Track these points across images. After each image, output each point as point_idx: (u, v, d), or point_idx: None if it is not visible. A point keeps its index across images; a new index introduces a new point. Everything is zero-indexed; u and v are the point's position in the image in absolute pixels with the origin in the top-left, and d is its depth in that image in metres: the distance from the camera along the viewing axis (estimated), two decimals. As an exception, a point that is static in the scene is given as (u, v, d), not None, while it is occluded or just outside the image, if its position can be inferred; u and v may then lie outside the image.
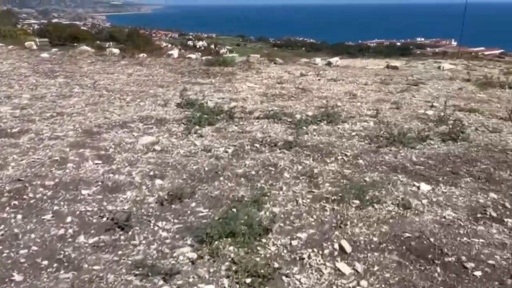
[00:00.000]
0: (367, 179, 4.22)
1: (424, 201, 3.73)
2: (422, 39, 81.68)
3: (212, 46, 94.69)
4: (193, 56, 14.38)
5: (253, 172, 4.35)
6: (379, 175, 4.32)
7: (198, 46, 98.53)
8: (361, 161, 4.72)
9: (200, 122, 6.12)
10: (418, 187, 4.02)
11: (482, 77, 9.79)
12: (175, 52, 14.20)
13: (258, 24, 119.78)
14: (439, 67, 11.40)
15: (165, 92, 8.50)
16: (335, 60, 12.20)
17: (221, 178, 4.19)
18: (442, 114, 6.56)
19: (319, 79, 10.06)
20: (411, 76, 10.19)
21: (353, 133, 5.80)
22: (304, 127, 6.04)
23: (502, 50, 70.49)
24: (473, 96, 8.26)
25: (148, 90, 8.70)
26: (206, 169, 4.42)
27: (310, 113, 6.82)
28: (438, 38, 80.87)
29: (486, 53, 69.76)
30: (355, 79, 9.95)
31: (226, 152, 4.95)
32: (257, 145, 5.21)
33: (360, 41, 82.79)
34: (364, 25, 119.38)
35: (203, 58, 14.26)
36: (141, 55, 14.05)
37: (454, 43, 77.78)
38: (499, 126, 6.19)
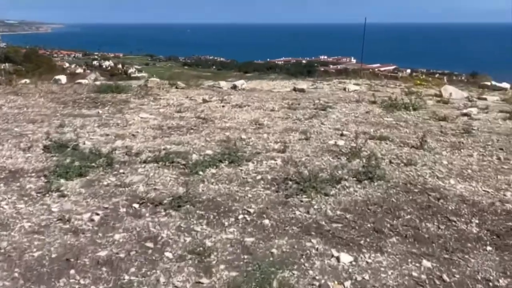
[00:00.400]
0: (274, 250, 3.23)
1: (347, 284, 2.82)
2: (325, 57, 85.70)
3: (120, 66, 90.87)
4: (84, 81, 12.68)
5: (121, 255, 3.14)
6: (289, 242, 3.36)
7: (104, 66, 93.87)
8: (267, 220, 3.74)
9: (68, 173, 4.73)
10: (338, 258, 3.12)
11: (387, 99, 9.55)
12: (63, 78, 12.37)
13: (167, 44, 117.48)
14: (344, 89, 11.07)
15: (35, 130, 6.90)
16: (240, 83, 11.37)
17: (72, 272, 2.91)
18: (353, 144, 5.92)
19: (223, 106, 9.09)
20: (318, 99, 9.65)
21: (258, 177, 4.84)
22: (200, 172, 4.95)
23: (395, 66, 76.51)
24: (381, 121, 7.83)
25: (13, 127, 7.03)
26: (54, 255, 3.11)
27: (209, 152, 5.76)
28: (340, 56, 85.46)
29: (382, 69, 75.15)
30: (261, 105, 9.15)
31: (92, 220, 3.68)
32: (136, 206, 4.01)
33: (268, 59, 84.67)
34: (272, 44, 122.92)
35: (96, 83, 12.66)
36: (23, 81, 12.05)
37: (353, 60, 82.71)
38: (412, 157, 5.65)
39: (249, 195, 4.28)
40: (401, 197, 4.24)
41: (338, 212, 3.84)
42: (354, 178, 4.76)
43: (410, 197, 4.23)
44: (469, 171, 5.14)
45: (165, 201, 4.08)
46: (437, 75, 69.67)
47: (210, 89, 11.34)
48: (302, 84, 12.90)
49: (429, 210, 3.92)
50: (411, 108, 8.78)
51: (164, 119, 7.85)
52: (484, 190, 4.49)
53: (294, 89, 10.88)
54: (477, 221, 3.73)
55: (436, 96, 10.33)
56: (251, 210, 3.91)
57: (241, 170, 5.08)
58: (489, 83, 13.45)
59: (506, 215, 3.84)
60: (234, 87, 11.25)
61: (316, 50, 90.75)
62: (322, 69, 78.11)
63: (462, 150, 6.03)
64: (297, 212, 3.86)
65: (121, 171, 4.96)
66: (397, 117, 8.13)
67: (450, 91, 10.02)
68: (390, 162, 5.46)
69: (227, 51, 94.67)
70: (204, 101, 9.50)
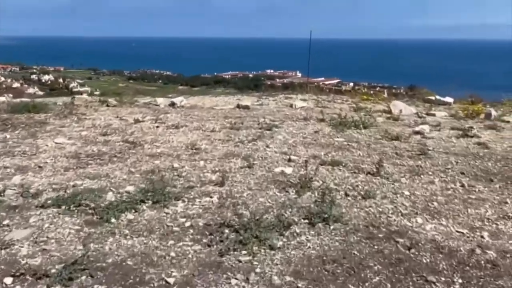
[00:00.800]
0: None
1: None
2: (272, 71, 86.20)
3: (61, 80, 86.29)
4: (0, 98, 11.06)
5: None
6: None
7: (44, 80, 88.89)
8: (191, 298, 2.72)
9: None
10: None
11: (336, 116, 8.88)
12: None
13: (111, 57, 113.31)
14: (291, 105, 10.31)
15: None
16: (179, 100, 10.28)
17: None
18: (303, 172, 5.05)
19: (157, 126, 7.97)
20: (263, 117, 8.78)
21: (188, 223, 3.81)
22: (112, 219, 3.83)
23: (339, 80, 78.39)
24: (331, 142, 7.06)
25: None
26: None
27: (130, 188, 4.65)
28: (285, 70, 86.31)
29: (326, 82, 76.69)
30: (201, 124, 8.13)
31: None
32: (9, 281, 2.83)
33: (215, 73, 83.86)
34: (219, 58, 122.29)
35: (15, 100, 11.07)
36: None
37: (299, 74, 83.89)
38: (370, 187, 4.86)
39: (172, 254, 3.22)
40: (365, 247, 3.37)
41: (287, 279, 2.87)
42: (306, 221, 3.85)
43: (375, 247, 3.37)
44: (435, 203, 4.40)
45: (53, 270, 2.93)
46: (378, 88, 72.20)
47: (146, 107, 10.15)
48: (247, 100, 12.04)
49: (400, 267, 3.07)
50: (361, 126, 8.13)
51: (84, 145, 6.60)
52: (458, 231, 3.73)
53: (238, 106, 9.96)
54: (460, 281, 2.92)
55: (385, 113, 9.82)
56: (171, 280, 2.86)
57: (167, 213, 4.01)
58: (433, 98, 13.29)
59: (493, 269, 3.06)
60: (173, 105, 10.15)
61: (263, 64, 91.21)
62: (269, 82, 78.32)
63: (422, 176, 5.33)
64: (234, 281, 2.85)
65: (5, 222, 3.73)
66: (348, 137, 7.41)
67: (399, 107, 9.54)
68: (346, 194, 4.62)
69: (174, 65, 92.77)
70: (136, 121, 8.33)
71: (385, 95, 19.03)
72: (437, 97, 13.27)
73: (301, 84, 20.10)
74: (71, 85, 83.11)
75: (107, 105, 10.17)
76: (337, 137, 7.37)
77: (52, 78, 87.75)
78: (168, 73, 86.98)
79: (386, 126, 8.39)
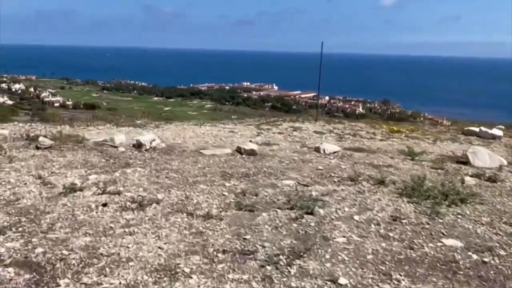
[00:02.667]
0: None
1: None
2: (248, 83, 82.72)
3: (32, 89, 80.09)
4: None
5: None
6: None
7: (14, 89, 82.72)
8: None
9: None
10: None
11: (393, 170, 5.32)
12: None
13: (85, 67, 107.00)
14: (318, 150, 6.63)
15: None
16: (149, 139, 6.38)
17: None
18: None
19: (104, 205, 4.15)
20: (286, 177, 5.10)
21: None
22: None
23: (315, 93, 75.72)
24: (442, 251, 3.47)
25: None
26: None
27: None
28: (262, 83, 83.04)
29: (303, 96, 73.95)
30: (184, 197, 4.36)
31: None
32: None
33: (192, 85, 79.77)
34: (196, 70, 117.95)
35: None
36: None
37: (275, 87, 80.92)
38: None
39: None
40: None
41: None
42: None
43: None
44: None
45: None
46: (352, 102, 69.94)
47: (97, 149, 6.27)
48: (243, 130, 8.37)
49: None
50: (457, 200, 4.58)
51: None
52: None
53: (240, 151, 6.23)
54: None
55: (459, 163, 6.29)
56: None
57: None
58: (476, 129, 9.89)
59: None
60: (139, 146, 6.30)
61: (239, 77, 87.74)
62: (245, 95, 74.98)
63: None
64: None
65: None
66: (459, 232, 3.82)
67: (482, 156, 6.03)
68: None
69: (149, 76, 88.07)
70: (69, 189, 4.48)
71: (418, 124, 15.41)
72: (482, 128, 9.92)
73: (306, 109, 16.32)
74: (42, 95, 77.14)
75: (37, 147, 6.24)
76: (442, 233, 3.77)
77: (23, 87, 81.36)
78: (143, 83, 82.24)
79: (493, 197, 4.85)
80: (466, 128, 9.83)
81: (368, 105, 67.80)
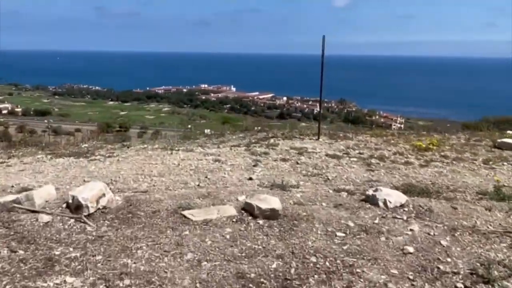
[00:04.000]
0: None
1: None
2: (206, 85, 79.41)
3: (-27, 96, 72.53)
4: None
5: None
6: None
7: (-46, 97, 74.83)
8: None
9: None
10: None
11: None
12: None
13: (34, 72, 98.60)
14: (373, 201, 4.12)
15: None
16: (95, 194, 3.60)
17: None
18: None
19: None
20: (353, 274, 2.59)
21: None
22: None
23: (273, 94, 73.99)
24: None
25: None
26: None
27: None
28: (220, 85, 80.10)
29: (261, 97, 71.93)
30: None
31: None
32: None
33: (148, 88, 75.44)
34: (152, 73, 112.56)
35: None
36: None
37: (233, 88, 78.36)
38: None
39: None
40: None
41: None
42: None
43: None
44: None
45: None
46: (310, 102, 68.75)
47: (1, 220, 3.40)
48: (231, 155, 5.81)
49: None
50: None
51: None
52: None
53: (251, 211, 3.60)
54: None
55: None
56: None
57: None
58: (509, 140, 7.77)
59: None
60: (77, 209, 3.43)
61: (196, 79, 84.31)
62: (204, 97, 71.77)
63: None
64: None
65: None
66: None
67: None
68: None
69: (103, 80, 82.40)
70: None
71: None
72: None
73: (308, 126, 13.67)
74: (-16, 102, 69.58)
75: None
76: None
77: (-38, 94, 73.49)
78: (97, 88, 76.81)
79: None
80: (500, 141, 7.73)
81: (325, 104, 66.87)
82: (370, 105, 59.08)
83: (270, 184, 4.51)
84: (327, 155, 6.25)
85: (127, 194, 3.92)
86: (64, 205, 3.56)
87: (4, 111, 65.34)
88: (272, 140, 7.31)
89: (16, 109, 66.42)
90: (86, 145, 6.77)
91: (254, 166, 5.51)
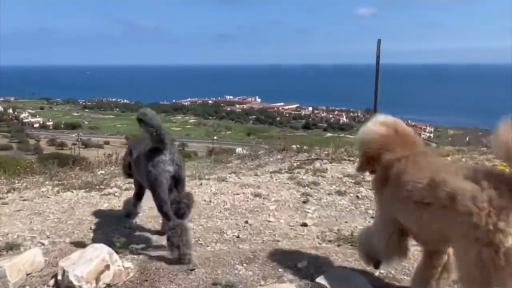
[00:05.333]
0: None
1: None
2: (231, 97, 78.88)
3: (10, 111, 74.47)
4: None
5: None
6: None
7: (-9, 112, 76.99)
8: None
9: None
10: None
11: None
12: None
13: (64, 86, 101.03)
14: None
15: None
16: (95, 269, 2.54)
17: None
18: None
19: None
20: None
21: None
22: None
23: (297, 104, 72.48)
24: None
25: None
26: None
27: None
28: (245, 96, 79.37)
29: (286, 107, 70.60)
30: None
31: None
32: None
33: (174, 100, 75.62)
34: (177, 85, 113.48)
35: None
36: None
37: (258, 99, 77.43)
38: None
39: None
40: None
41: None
42: None
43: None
44: None
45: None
46: (336, 112, 66.91)
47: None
48: (274, 187, 4.65)
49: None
50: None
51: None
52: None
53: None
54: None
55: None
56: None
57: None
58: None
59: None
60: None
61: (222, 90, 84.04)
62: (229, 108, 71.11)
63: None
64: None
65: None
66: None
67: None
68: None
69: (131, 93, 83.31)
70: None
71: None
72: None
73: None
74: (21, 116, 71.29)
75: None
76: None
77: (1, 109, 75.35)
78: (125, 101, 77.58)
79: None
80: None
81: (351, 114, 64.86)
82: (396, 114, 56.58)
83: (335, 237, 3.26)
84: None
85: (142, 258, 2.78)
86: (52, 282, 2.45)
87: (36, 125, 66.54)
88: (317, 164, 6.04)
89: (48, 123, 67.54)
90: (103, 171, 5.74)
91: (304, 202, 4.27)
